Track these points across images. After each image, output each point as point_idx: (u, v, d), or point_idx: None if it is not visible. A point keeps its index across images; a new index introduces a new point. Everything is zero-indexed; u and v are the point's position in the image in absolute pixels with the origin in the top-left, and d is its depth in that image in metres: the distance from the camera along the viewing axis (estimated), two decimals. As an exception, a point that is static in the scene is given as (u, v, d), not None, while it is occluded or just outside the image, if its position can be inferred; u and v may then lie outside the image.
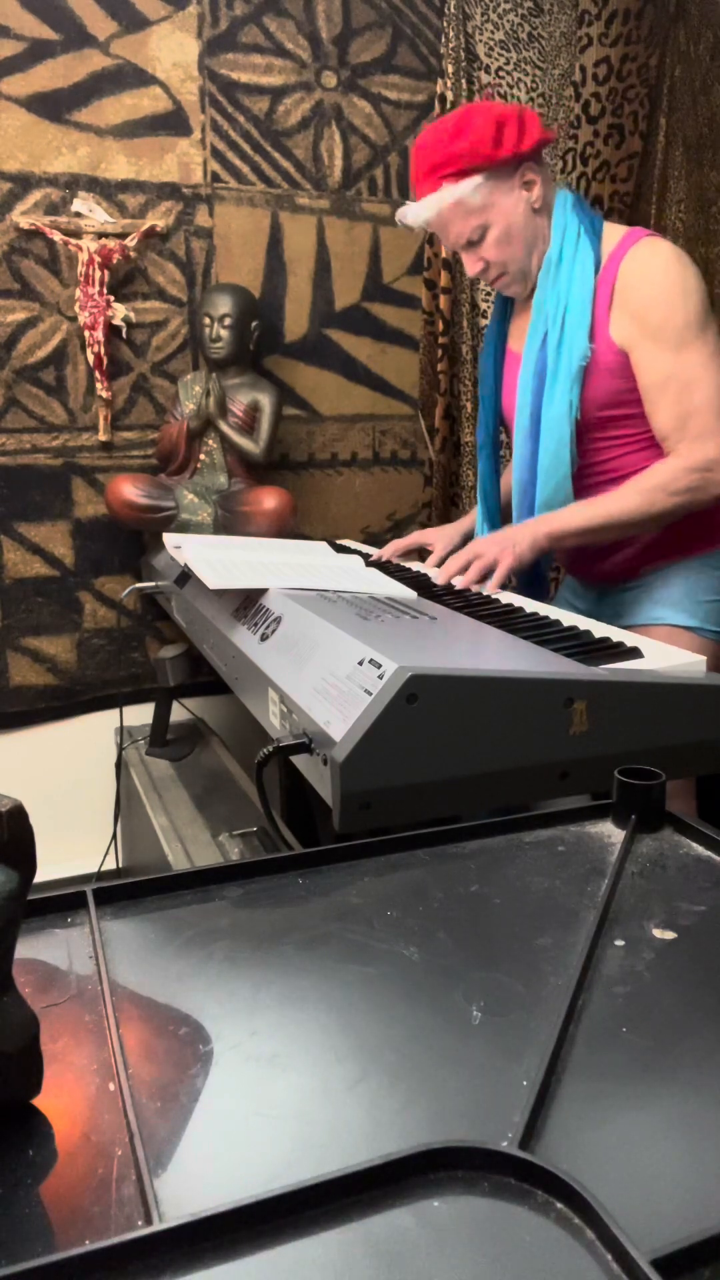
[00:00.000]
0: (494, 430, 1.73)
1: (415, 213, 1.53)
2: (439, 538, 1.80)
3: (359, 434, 2.40)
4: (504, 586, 1.46)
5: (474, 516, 1.89)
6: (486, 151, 1.46)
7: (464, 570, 1.45)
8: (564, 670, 0.95)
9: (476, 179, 1.47)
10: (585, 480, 1.55)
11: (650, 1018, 0.56)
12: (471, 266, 1.57)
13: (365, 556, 1.80)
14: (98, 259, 2.04)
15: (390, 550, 1.81)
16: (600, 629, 1.21)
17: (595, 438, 1.53)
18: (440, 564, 1.74)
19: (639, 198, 2.47)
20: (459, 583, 1.45)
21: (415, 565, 1.77)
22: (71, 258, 2.05)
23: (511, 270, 1.56)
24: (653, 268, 1.45)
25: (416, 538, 1.83)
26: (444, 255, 2.30)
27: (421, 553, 1.85)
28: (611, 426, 1.51)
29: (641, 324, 1.44)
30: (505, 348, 1.69)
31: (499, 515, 1.75)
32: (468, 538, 1.84)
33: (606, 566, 1.61)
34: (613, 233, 1.51)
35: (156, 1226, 0.40)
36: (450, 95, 2.25)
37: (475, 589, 1.45)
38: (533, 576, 1.67)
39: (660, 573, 1.57)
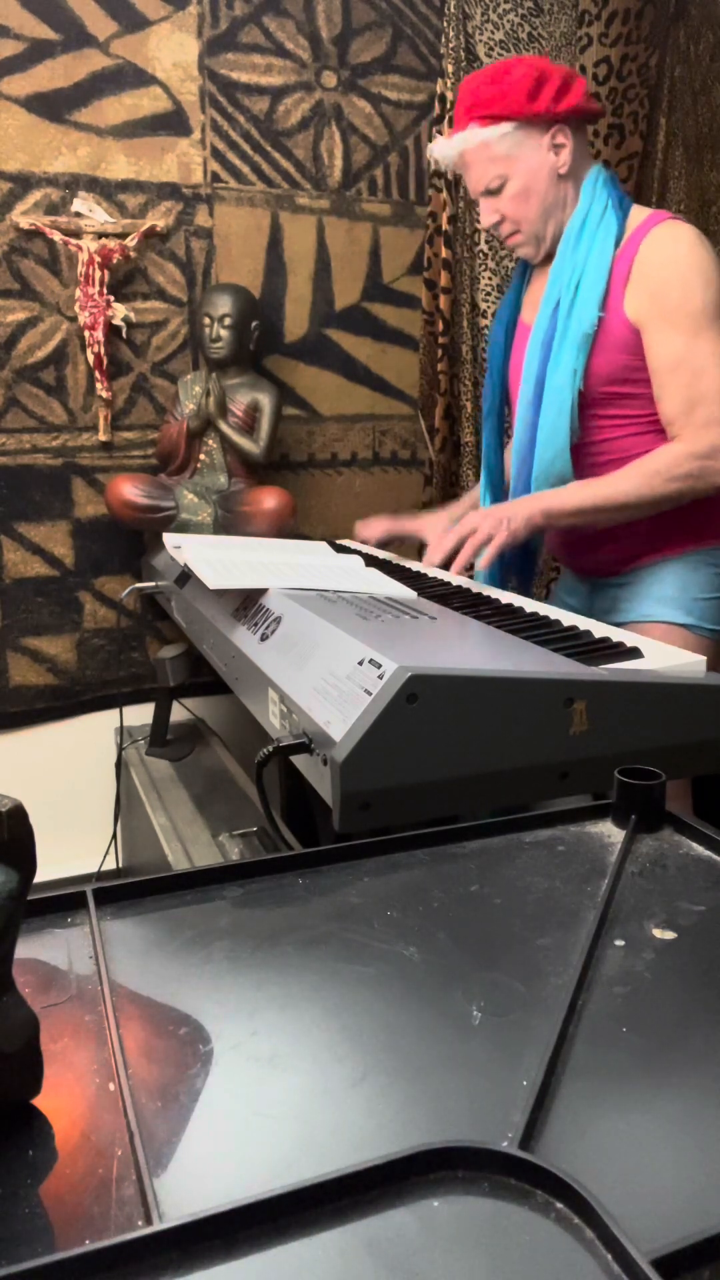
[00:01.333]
0: (499, 398, 1.71)
1: (441, 148, 1.54)
2: (430, 530, 1.79)
3: (359, 434, 2.40)
4: (503, 563, 1.45)
5: (464, 502, 1.89)
6: (520, 102, 1.46)
7: (459, 547, 1.44)
8: (564, 670, 0.95)
9: (506, 126, 1.47)
10: (585, 459, 1.53)
11: (650, 1018, 0.56)
12: (486, 216, 1.56)
13: (365, 557, 1.80)
14: (98, 259, 2.04)
15: (379, 530, 1.79)
16: (600, 629, 1.21)
17: (598, 414, 1.51)
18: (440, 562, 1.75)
19: (639, 198, 2.47)
20: (453, 568, 1.44)
21: (415, 565, 1.77)
22: (71, 258, 2.05)
23: (524, 230, 1.55)
24: (675, 249, 1.43)
25: (409, 525, 1.82)
26: (444, 255, 2.30)
27: (420, 549, 1.85)
28: (616, 404, 1.50)
29: (658, 303, 1.42)
30: (518, 318, 1.67)
31: (503, 486, 1.74)
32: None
33: (599, 557, 1.61)
34: (638, 213, 1.50)
35: (156, 1226, 0.40)
36: (450, 95, 2.25)
37: (476, 589, 1.45)
38: (524, 557, 1.67)
39: (653, 568, 1.56)
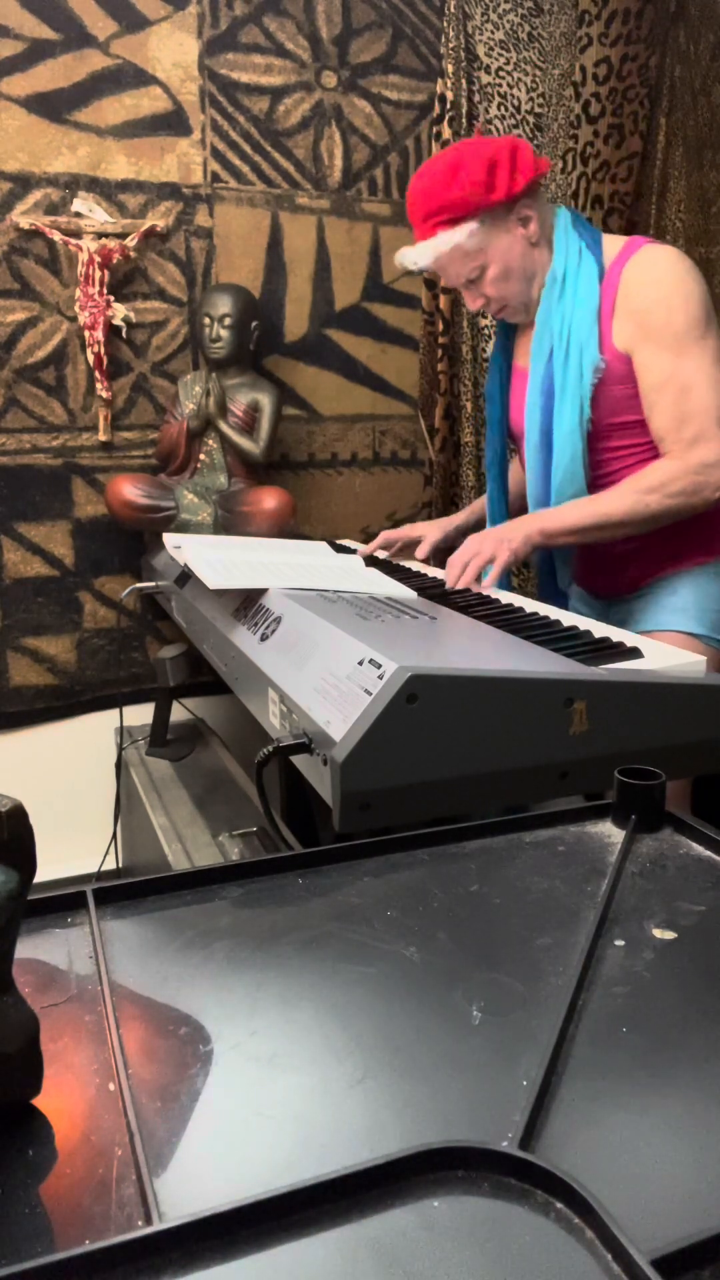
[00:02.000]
0: (502, 451, 1.74)
1: (413, 258, 1.55)
2: (429, 529, 1.81)
3: (359, 434, 2.40)
4: (510, 582, 1.46)
5: (467, 513, 1.89)
6: (479, 197, 1.47)
7: (464, 570, 1.46)
8: (564, 670, 0.95)
9: (472, 224, 1.49)
10: (598, 484, 1.55)
11: (650, 1018, 0.56)
12: (472, 303, 1.60)
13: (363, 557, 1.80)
14: (98, 259, 2.03)
15: (381, 541, 1.81)
16: (600, 629, 1.21)
17: (606, 447, 1.54)
18: (428, 556, 1.77)
19: (639, 198, 2.47)
20: (459, 582, 1.46)
21: (415, 565, 1.77)
22: (71, 258, 2.05)
23: (512, 303, 1.58)
24: (654, 272, 1.45)
25: (406, 530, 1.84)
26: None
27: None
28: (621, 434, 1.52)
29: (642, 326, 1.44)
30: (511, 366, 1.69)
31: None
32: (461, 531, 1.85)
33: (615, 580, 1.63)
34: (613, 243, 1.52)
35: (156, 1226, 0.40)
36: (450, 95, 2.25)
37: (475, 589, 1.45)
38: (548, 583, 1.68)
39: (667, 581, 1.58)
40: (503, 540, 1.45)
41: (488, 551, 1.45)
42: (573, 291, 1.50)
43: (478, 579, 1.47)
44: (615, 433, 1.52)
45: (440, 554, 1.73)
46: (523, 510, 1.79)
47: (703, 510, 1.46)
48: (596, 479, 1.55)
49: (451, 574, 1.48)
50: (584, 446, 1.51)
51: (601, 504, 1.46)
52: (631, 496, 1.44)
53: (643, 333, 1.44)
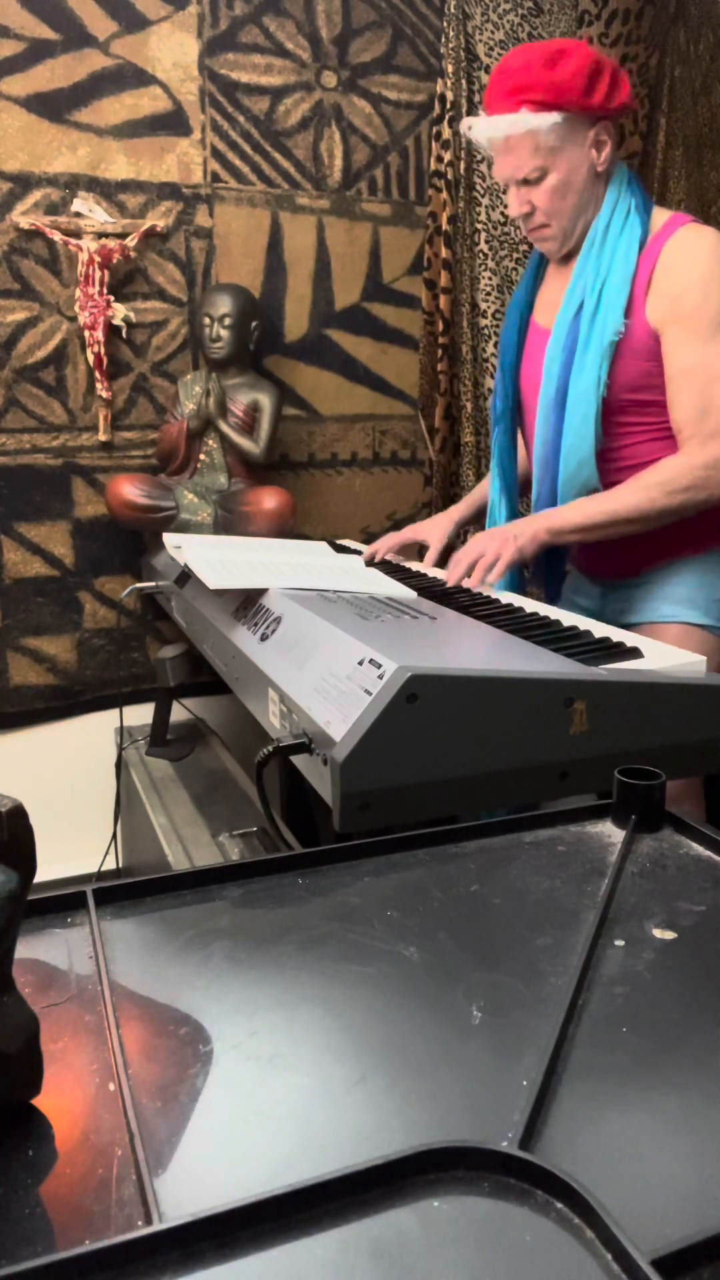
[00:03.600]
0: (513, 401, 1.69)
1: (484, 128, 1.47)
2: (432, 533, 1.78)
3: (359, 434, 2.40)
4: (521, 576, 1.44)
5: (465, 504, 1.87)
6: (575, 94, 1.41)
7: (470, 570, 1.45)
8: (564, 670, 0.95)
9: (556, 117, 1.42)
10: (608, 465, 1.52)
11: (650, 1018, 0.56)
12: (517, 205, 1.52)
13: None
14: (98, 259, 2.04)
15: (384, 546, 1.79)
16: (600, 629, 1.21)
17: (620, 422, 1.51)
18: (438, 562, 1.74)
19: (639, 198, 2.47)
20: (467, 582, 1.44)
21: (414, 565, 1.77)
22: (71, 258, 2.05)
23: (555, 226, 1.52)
24: (696, 253, 1.42)
25: (409, 533, 1.81)
26: (444, 255, 2.30)
27: (422, 550, 1.84)
28: (638, 411, 1.49)
29: (676, 307, 1.42)
30: (529, 320, 1.66)
31: (517, 488, 1.74)
32: (461, 526, 1.83)
33: (615, 561, 1.60)
34: (659, 215, 1.49)
35: (156, 1226, 0.40)
36: (450, 95, 2.25)
37: (478, 588, 1.45)
38: (550, 571, 1.66)
39: (668, 568, 1.55)
40: (508, 539, 1.43)
41: (492, 551, 1.43)
42: (612, 252, 1.46)
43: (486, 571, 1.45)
44: (631, 409, 1.49)
45: (447, 557, 1.71)
46: (525, 485, 1.78)
47: (712, 506, 1.45)
48: (606, 451, 1.52)
49: (454, 573, 1.45)
50: (598, 409, 1.47)
51: (609, 501, 1.44)
52: (639, 493, 1.42)
53: (675, 313, 1.42)
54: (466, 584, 1.45)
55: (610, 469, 1.53)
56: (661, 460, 1.44)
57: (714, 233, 1.45)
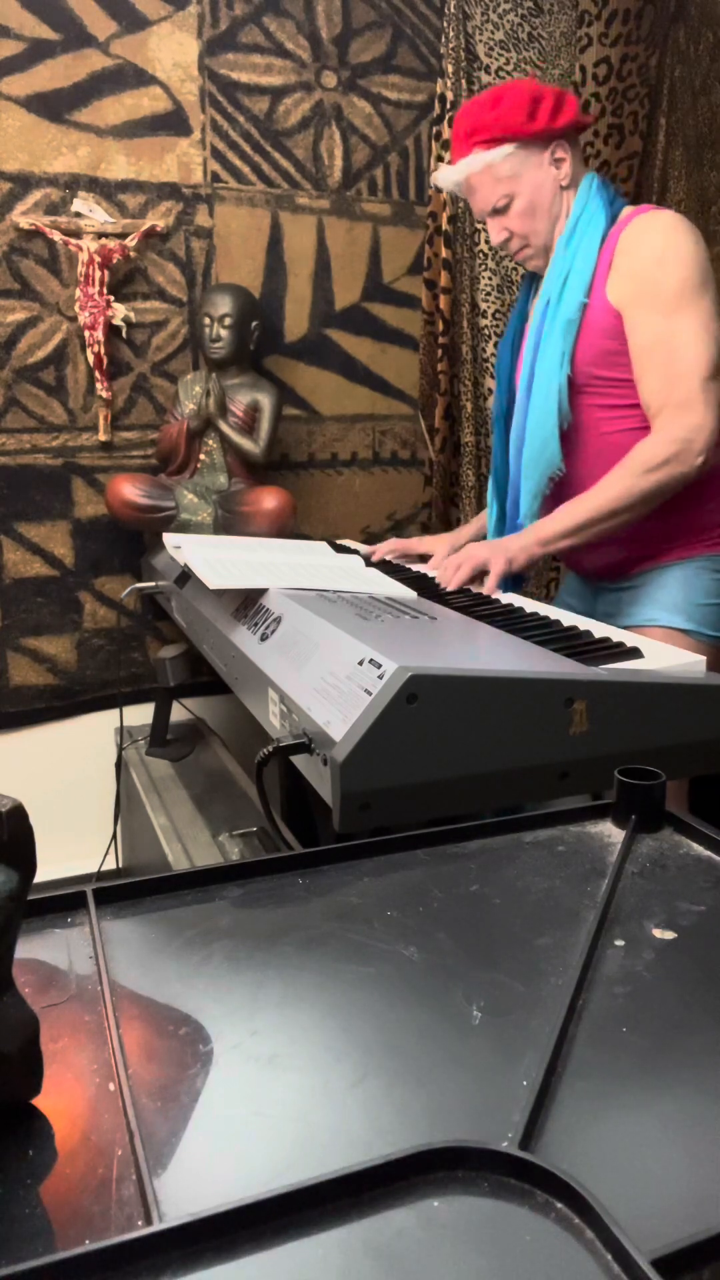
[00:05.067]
0: (507, 406, 1.72)
1: (446, 175, 1.59)
2: (437, 546, 1.81)
3: (359, 434, 2.40)
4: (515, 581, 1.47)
5: (474, 526, 1.90)
6: (519, 122, 1.50)
7: (456, 571, 1.47)
8: (564, 670, 0.95)
9: (507, 148, 1.52)
10: (577, 449, 1.54)
11: (650, 1018, 0.56)
12: (496, 234, 1.60)
13: (365, 557, 1.80)
14: (98, 259, 2.04)
15: (388, 547, 1.80)
16: (600, 629, 1.21)
17: (587, 403, 1.53)
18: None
19: (639, 198, 2.47)
20: (450, 583, 1.46)
21: (416, 566, 1.77)
22: (71, 258, 2.05)
23: (534, 243, 1.59)
24: (653, 232, 1.46)
25: (415, 543, 1.84)
26: (444, 255, 2.30)
27: (423, 557, 1.85)
28: (603, 391, 1.51)
29: (636, 285, 1.45)
30: (525, 325, 1.69)
31: (507, 488, 1.74)
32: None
33: (604, 558, 1.61)
34: (626, 210, 1.54)
35: (156, 1226, 0.40)
36: (450, 95, 2.25)
37: (474, 588, 1.45)
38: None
39: (657, 573, 1.57)
40: (498, 549, 1.46)
41: (481, 557, 1.45)
42: (577, 246, 1.52)
43: (477, 580, 1.47)
44: (595, 386, 1.51)
45: None
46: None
47: (694, 479, 1.44)
48: (574, 433, 1.54)
49: (444, 574, 1.48)
50: (562, 385, 1.51)
51: (590, 499, 1.45)
52: (617, 484, 1.43)
53: (635, 291, 1.45)
54: (451, 584, 1.47)
55: (581, 453, 1.54)
56: (635, 446, 1.45)
57: (670, 214, 1.50)
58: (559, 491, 1.55)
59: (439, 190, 2.28)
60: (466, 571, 1.45)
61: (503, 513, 1.72)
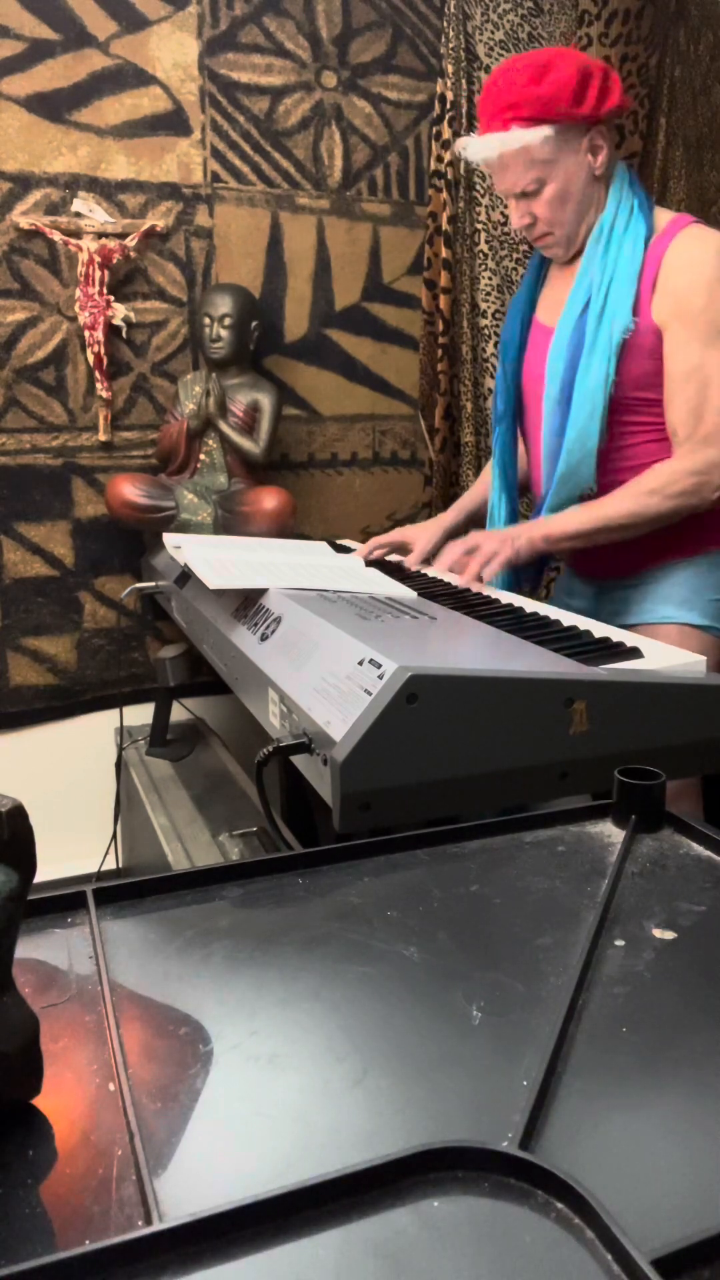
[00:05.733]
0: (514, 400, 1.69)
1: (477, 149, 1.47)
2: (419, 535, 1.78)
3: (359, 434, 2.40)
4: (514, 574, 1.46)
5: (454, 511, 1.87)
6: (565, 106, 1.40)
7: (462, 560, 1.46)
8: (564, 670, 0.95)
9: (547, 130, 1.42)
10: (609, 464, 1.52)
11: (650, 1018, 0.56)
12: (518, 218, 1.53)
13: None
14: (98, 259, 2.03)
15: (371, 546, 1.78)
16: (600, 629, 1.21)
17: (624, 420, 1.51)
18: (422, 562, 1.74)
19: (639, 198, 2.47)
20: (459, 581, 1.45)
21: (395, 557, 1.76)
22: (71, 258, 2.05)
23: (558, 233, 1.52)
24: (703, 255, 1.42)
25: (397, 535, 1.80)
26: (444, 255, 2.30)
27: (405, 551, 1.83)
28: (642, 410, 1.50)
29: (680, 307, 1.42)
30: (532, 319, 1.65)
31: (517, 488, 1.74)
32: (449, 534, 1.83)
33: (609, 562, 1.60)
34: (662, 215, 1.50)
35: (156, 1226, 0.40)
36: (450, 95, 2.25)
37: (475, 587, 1.45)
38: (536, 565, 1.66)
39: (666, 569, 1.56)
40: (505, 539, 1.45)
41: (488, 548, 1.44)
42: (618, 250, 1.46)
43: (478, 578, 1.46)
44: (636, 407, 1.50)
45: (431, 561, 1.71)
46: (524, 487, 1.79)
47: (703, 510, 1.45)
48: (607, 450, 1.52)
49: (446, 556, 1.47)
50: (605, 406, 1.48)
51: (603, 508, 1.45)
52: (632, 500, 1.44)
53: (679, 313, 1.42)
54: (458, 582, 1.46)
55: (612, 468, 1.53)
56: (654, 466, 1.45)
57: (717, 234, 1.46)
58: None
59: (439, 190, 2.28)
60: (475, 565, 1.43)
61: (513, 513, 1.71)
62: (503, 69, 1.46)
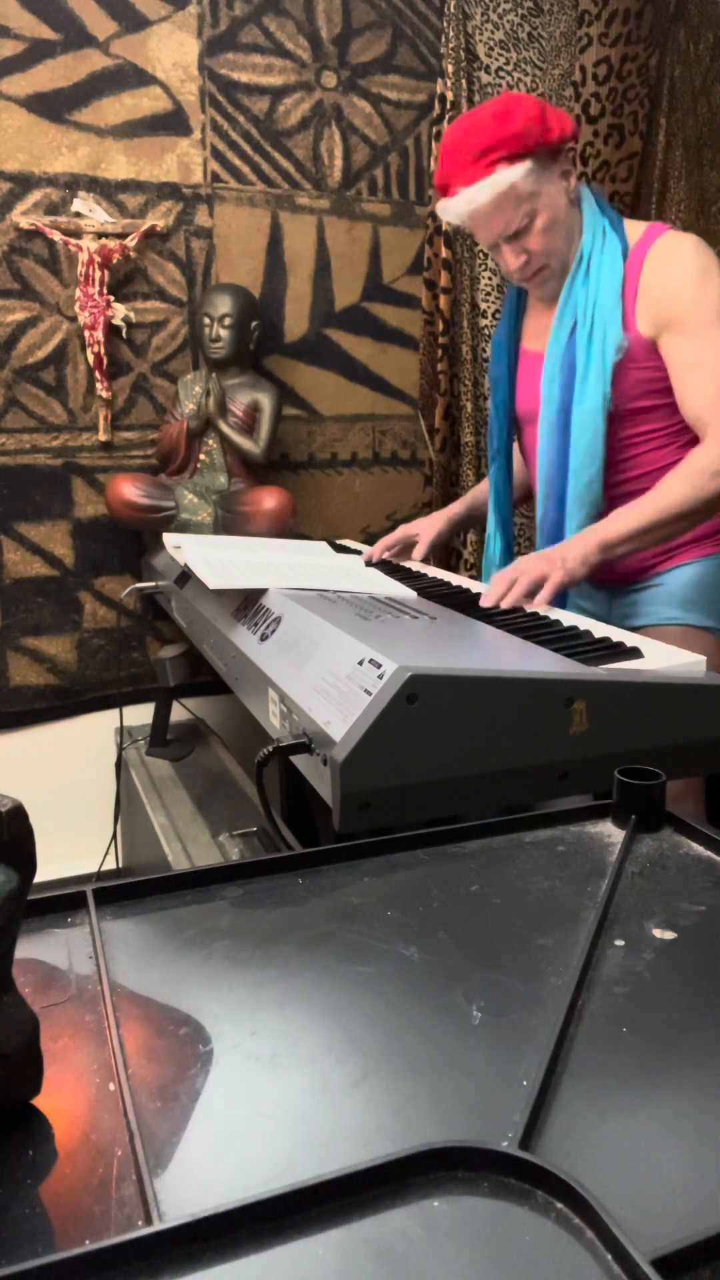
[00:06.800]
0: (508, 438, 1.69)
1: (464, 201, 1.45)
2: (423, 527, 1.78)
3: (359, 434, 2.40)
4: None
5: (461, 503, 1.87)
6: (538, 134, 1.42)
7: (508, 592, 1.34)
8: (564, 670, 0.95)
9: (528, 163, 1.43)
10: (613, 477, 1.53)
11: (650, 1018, 0.56)
12: (513, 259, 1.52)
13: (367, 559, 1.80)
14: (98, 259, 2.04)
15: (379, 548, 1.79)
16: (600, 629, 1.21)
17: (623, 432, 1.51)
18: (425, 555, 1.74)
19: (639, 198, 2.47)
20: (504, 601, 1.33)
21: (414, 565, 1.77)
22: (71, 258, 2.05)
23: (554, 263, 1.52)
24: (677, 257, 1.44)
25: (401, 531, 1.80)
26: (444, 255, 2.30)
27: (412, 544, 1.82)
28: (641, 419, 1.50)
29: (668, 313, 1.43)
30: (518, 349, 1.66)
31: (513, 524, 1.75)
32: (454, 524, 1.83)
33: (620, 566, 1.58)
34: (633, 228, 1.51)
35: (156, 1226, 0.40)
36: (450, 95, 2.25)
37: (526, 605, 1.35)
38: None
39: (674, 572, 1.55)
40: (554, 560, 1.34)
41: (536, 572, 1.33)
42: (597, 270, 1.48)
43: (529, 595, 1.35)
44: (634, 418, 1.50)
45: (438, 551, 1.71)
46: (527, 496, 1.78)
47: None
48: (613, 463, 1.52)
49: (493, 592, 1.34)
50: (605, 427, 1.48)
51: (654, 500, 1.39)
52: (683, 484, 1.38)
53: (668, 319, 1.43)
54: (505, 603, 1.33)
55: (616, 479, 1.53)
56: (694, 450, 1.41)
57: (692, 237, 1.48)
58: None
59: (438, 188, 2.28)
60: (522, 588, 1.32)
61: (508, 546, 1.71)
62: (460, 125, 1.47)
